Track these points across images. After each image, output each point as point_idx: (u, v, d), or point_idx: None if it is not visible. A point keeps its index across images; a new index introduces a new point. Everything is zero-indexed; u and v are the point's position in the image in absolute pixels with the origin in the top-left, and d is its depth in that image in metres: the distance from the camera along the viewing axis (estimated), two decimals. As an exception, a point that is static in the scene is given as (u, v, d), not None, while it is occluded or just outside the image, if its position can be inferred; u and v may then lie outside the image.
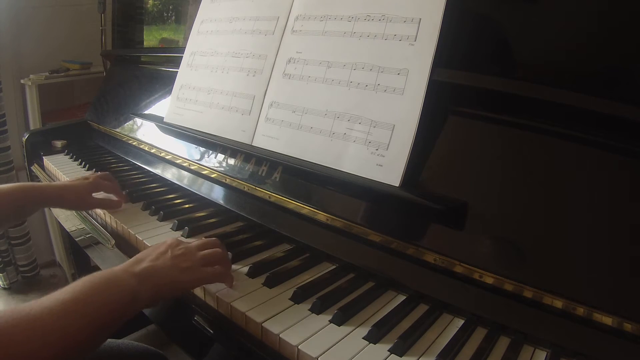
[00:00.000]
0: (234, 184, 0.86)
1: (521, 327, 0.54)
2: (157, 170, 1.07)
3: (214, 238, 0.68)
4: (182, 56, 1.05)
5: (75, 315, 0.46)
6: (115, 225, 0.86)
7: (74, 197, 0.86)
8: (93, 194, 0.89)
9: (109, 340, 0.82)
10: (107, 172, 0.96)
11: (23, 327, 0.42)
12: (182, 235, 0.79)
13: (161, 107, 1.16)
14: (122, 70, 1.47)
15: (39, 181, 1.24)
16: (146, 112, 1.21)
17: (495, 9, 0.70)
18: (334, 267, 0.70)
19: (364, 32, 0.73)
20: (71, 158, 1.27)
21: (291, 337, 0.53)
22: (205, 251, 0.63)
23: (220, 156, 0.91)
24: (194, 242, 0.64)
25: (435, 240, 0.60)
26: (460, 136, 0.64)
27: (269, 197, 0.79)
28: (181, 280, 0.58)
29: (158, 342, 1.45)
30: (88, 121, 1.44)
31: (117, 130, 1.28)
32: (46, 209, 1.86)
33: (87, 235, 0.94)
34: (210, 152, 0.94)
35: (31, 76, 1.80)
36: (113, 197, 0.92)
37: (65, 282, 1.78)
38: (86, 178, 0.90)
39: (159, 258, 0.59)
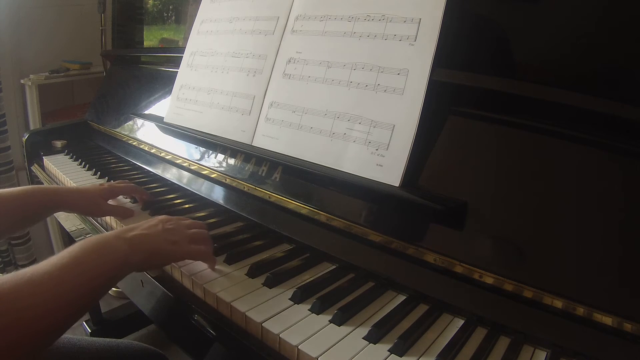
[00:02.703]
0: (234, 184, 0.86)
1: (521, 327, 0.54)
2: (157, 171, 1.07)
3: (200, 221, 0.72)
4: (182, 56, 1.05)
5: (71, 277, 0.49)
6: (115, 226, 0.86)
7: (87, 203, 0.83)
8: (108, 201, 0.86)
9: (109, 339, 0.82)
10: (125, 180, 0.95)
11: (26, 293, 0.45)
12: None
13: (161, 107, 1.16)
14: (122, 70, 1.47)
15: (39, 181, 1.24)
16: (146, 112, 1.21)
17: (495, 9, 0.70)
18: (334, 267, 0.70)
19: (364, 32, 0.73)
20: (71, 158, 1.27)
21: (291, 337, 0.53)
22: (193, 230, 0.67)
23: (220, 156, 0.91)
24: (184, 220, 0.68)
25: (435, 240, 0.60)
26: (460, 136, 0.64)
27: (269, 197, 0.79)
28: (169, 250, 0.62)
29: (158, 342, 1.45)
30: (88, 121, 1.44)
31: (117, 130, 1.28)
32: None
33: (87, 235, 0.94)
34: (210, 152, 0.94)
35: (31, 76, 1.80)
36: (127, 203, 0.92)
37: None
38: (101, 184, 0.89)
39: (151, 229, 0.62)
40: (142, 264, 0.59)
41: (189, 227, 0.67)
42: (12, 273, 0.46)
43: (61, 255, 0.51)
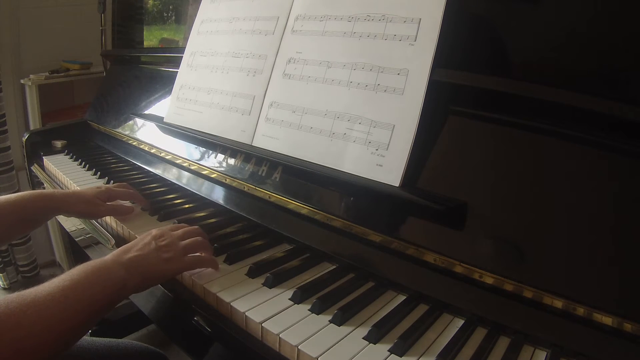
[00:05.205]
0: (234, 184, 0.86)
1: (521, 327, 0.54)
2: (157, 171, 1.07)
3: (195, 227, 0.72)
4: (182, 56, 1.05)
5: (73, 301, 0.51)
6: (115, 226, 0.86)
7: (84, 204, 0.82)
8: (107, 203, 0.85)
9: (109, 339, 0.82)
10: (124, 183, 0.94)
11: (30, 313, 0.47)
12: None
13: (161, 107, 1.16)
14: (122, 70, 1.47)
15: (39, 181, 1.24)
16: (146, 112, 1.21)
17: (495, 9, 0.70)
18: (334, 267, 0.70)
19: (364, 32, 0.73)
20: (71, 158, 1.27)
21: (291, 337, 0.53)
22: (187, 240, 0.67)
23: (220, 156, 0.91)
24: (176, 231, 0.68)
25: (435, 240, 0.60)
26: (460, 136, 0.64)
27: (269, 197, 0.79)
28: (165, 269, 0.62)
29: (158, 342, 1.46)
30: (88, 121, 1.44)
31: (117, 130, 1.28)
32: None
33: (87, 235, 0.94)
34: (210, 152, 0.94)
35: (31, 76, 1.80)
36: (125, 203, 0.89)
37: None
38: (99, 187, 0.88)
39: (144, 248, 0.63)
40: (139, 287, 0.60)
41: (182, 237, 0.67)
42: (16, 293, 0.48)
43: (63, 278, 0.52)
